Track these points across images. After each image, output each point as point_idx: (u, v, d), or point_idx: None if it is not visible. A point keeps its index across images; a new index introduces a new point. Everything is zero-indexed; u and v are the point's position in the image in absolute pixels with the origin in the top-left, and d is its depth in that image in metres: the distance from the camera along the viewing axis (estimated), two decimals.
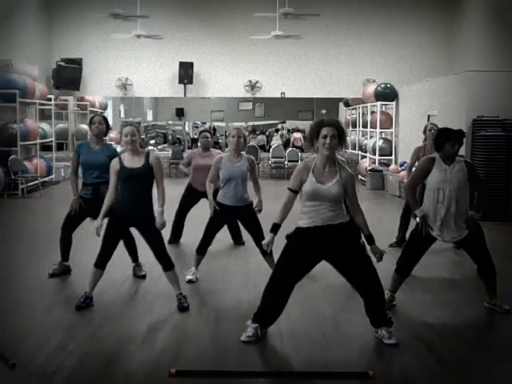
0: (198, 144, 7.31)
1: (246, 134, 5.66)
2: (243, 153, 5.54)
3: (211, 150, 6.92)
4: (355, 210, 4.01)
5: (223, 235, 6.14)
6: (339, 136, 3.86)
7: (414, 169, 6.33)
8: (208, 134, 7.01)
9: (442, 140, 4.64)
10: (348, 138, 17.61)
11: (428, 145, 6.72)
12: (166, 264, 4.78)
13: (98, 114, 5.96)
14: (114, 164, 4.69)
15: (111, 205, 4.69)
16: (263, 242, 4.15)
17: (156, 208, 4.69)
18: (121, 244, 5.13)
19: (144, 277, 5.64)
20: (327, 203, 3.89)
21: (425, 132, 7.08)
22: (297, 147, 18.64)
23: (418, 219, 4.76)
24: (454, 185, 4.58)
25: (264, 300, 4.12)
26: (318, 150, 3.91)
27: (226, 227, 6.42)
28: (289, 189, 4.02)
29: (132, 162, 4.65)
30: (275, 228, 4.04)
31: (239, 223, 6.13)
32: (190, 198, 6.96)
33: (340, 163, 3.99)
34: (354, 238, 4.02)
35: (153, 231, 4.69)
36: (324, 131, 3.83)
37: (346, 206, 4.06)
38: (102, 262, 4.73)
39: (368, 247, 4.04)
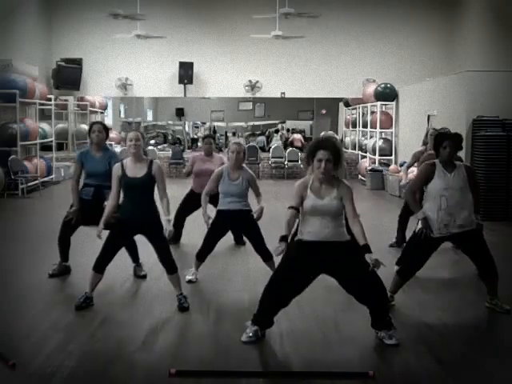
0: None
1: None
2: (244, 167, 5.50)
3: (213, 154, 7.01)
4: (352, 220, 3.95)
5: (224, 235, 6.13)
6: (335, 158, 3.83)
7: (414, 169, 6.33)
8: (211, 140, 7.10)
9: (437, 145, 4.67)
10: (348, 138, 17.62)
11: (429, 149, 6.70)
12: (171, 268, 4.77)
13: (97, 122, 5.81)
14: (116, 170, 4.66)
15: (113, 210, 4.68)
16: (274, 247, 3.92)
17: (163, 217, 4.67)
18: None
19: (144, 277, 5.64)
20: (328, 218, 3.88)
21: (427, 136, 7.08)
22: (296, 147, 18.64)
23: (419, 223, 4.74)
24: (456, 191, 4.54)
25: (261, 305, 4.11)
26: (313, 171, 3.89)
27: None
28: (291, 207, 3.93)
29: (134, 170, 4.61)
30: (285, 238, 3.87)
31: None
32: (192, 203, 6.93)
33: (337, 178, 3.95)
34: (355, 252, 3.95)
35: (159, 236, 4.66)
36: (319, 155, 3.81)
37: (347, 221, 4.02)
38: (100, 266, 4.70)
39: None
